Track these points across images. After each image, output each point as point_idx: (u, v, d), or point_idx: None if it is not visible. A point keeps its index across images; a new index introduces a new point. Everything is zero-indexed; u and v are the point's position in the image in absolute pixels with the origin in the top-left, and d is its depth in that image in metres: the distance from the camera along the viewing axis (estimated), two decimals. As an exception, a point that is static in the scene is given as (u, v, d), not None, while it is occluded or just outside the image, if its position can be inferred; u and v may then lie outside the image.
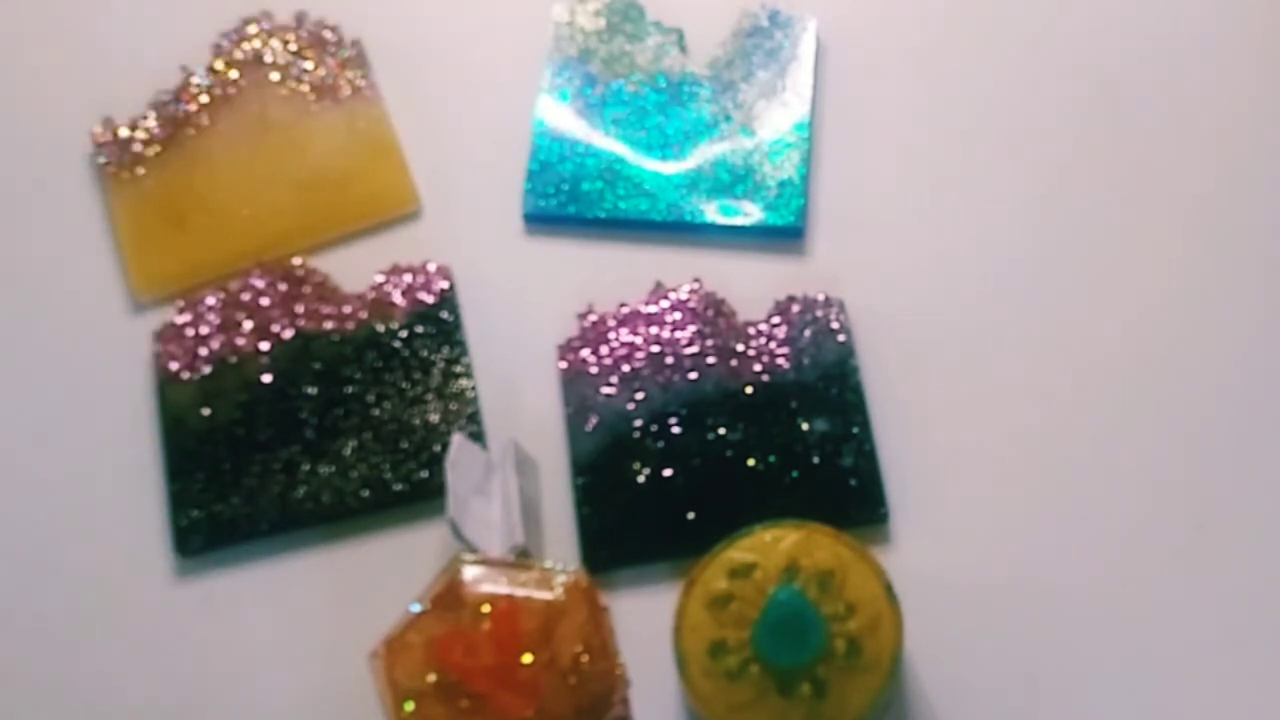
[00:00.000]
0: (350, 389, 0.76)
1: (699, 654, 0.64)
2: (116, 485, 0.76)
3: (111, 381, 0.78)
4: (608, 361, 0.76)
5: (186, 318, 0.78)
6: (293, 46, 0.84)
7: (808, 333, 0.75)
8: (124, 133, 0.82)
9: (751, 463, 0.73)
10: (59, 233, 0.82)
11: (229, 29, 0.85)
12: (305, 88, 0.83)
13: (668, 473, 0.73)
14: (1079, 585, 0.71)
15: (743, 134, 0.81)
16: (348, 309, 0.78)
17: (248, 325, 0.78)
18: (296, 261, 0.79)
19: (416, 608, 0.62)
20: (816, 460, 0.73)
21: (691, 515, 0.72)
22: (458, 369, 0.77)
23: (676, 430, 0.74)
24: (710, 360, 0.75)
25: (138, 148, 0.82)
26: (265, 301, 0.78)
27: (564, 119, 0.82)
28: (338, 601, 0.73)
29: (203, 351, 0.77)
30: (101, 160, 0.82)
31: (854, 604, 0.64)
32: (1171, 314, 0.76)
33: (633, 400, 0.75)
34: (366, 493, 0.74)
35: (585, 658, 0.60)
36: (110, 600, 0.74)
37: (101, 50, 0.86)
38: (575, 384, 0.76)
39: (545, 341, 0.77)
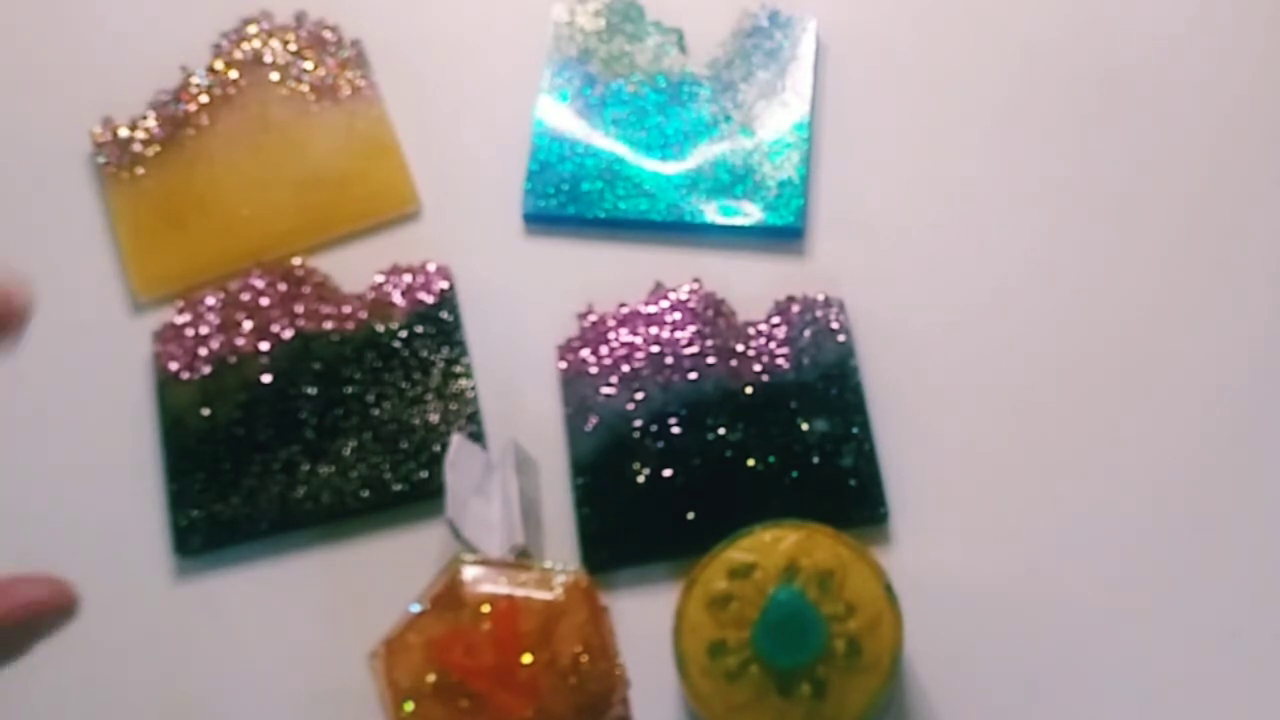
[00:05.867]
0: (350, 389, 0.76)
1: (699, 654, 0.64)
2: (116, 485, 0.76)
3: (111, 381, 0.78)
4: (607, 362, 0.76)
5: (186, 318, 0.78)
6: (292, 46, 0.84)
7: (808, 333, 0.75)
8: (124, 133, 0.82)
9: (751, 463, 0.73)
10: (59, 233, 0.82)
11: (229, 29, 0.85)
12: (305, 88, 0.83)
13: (668, 473, 0.73)
14: (1079, 585, 0.71)
15: (742, 134, 0.81)
16: (348, 309, 0.78)
17: (247, 325, 0.78)
18: (296, 261, 0.79)
19: (416, 608, 0.61)
20: (816, 460, 0.73)
21: (691, 515, 0.72)
22: (458, 369, 0.77)
23: (676, 430, 0.74)
24: (710, 360, 0.75)
25: (138, 148, 0.82)
26: (265, 301, 0.78)
27: (564, 119, 0.82)
28: (338, 601, 0.73)
29: (202, 351, 0.77)
30: (101, 160, 0.82)
31: (854, 604, 0.64)
32: (1172, 313, 0.76)
33: (633, 400, 0.75)
34: (366, 493, 0.74)
35: (585, 658, 0.60)
36: (110, 600, 0.74)
37: (101, 50, 0.86)
38: (575, 384, 0.76)
39: (545, 341, 0.77)
